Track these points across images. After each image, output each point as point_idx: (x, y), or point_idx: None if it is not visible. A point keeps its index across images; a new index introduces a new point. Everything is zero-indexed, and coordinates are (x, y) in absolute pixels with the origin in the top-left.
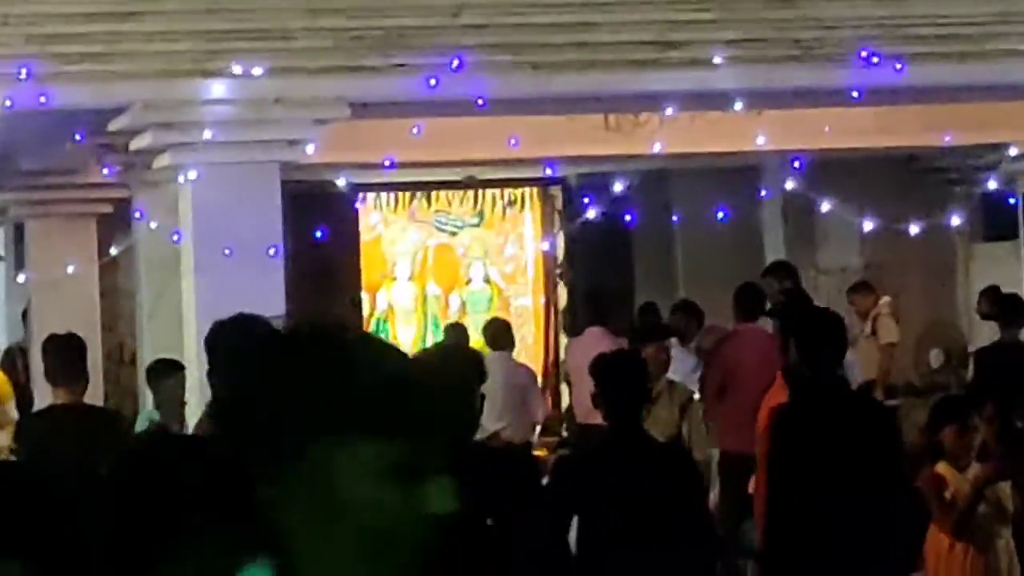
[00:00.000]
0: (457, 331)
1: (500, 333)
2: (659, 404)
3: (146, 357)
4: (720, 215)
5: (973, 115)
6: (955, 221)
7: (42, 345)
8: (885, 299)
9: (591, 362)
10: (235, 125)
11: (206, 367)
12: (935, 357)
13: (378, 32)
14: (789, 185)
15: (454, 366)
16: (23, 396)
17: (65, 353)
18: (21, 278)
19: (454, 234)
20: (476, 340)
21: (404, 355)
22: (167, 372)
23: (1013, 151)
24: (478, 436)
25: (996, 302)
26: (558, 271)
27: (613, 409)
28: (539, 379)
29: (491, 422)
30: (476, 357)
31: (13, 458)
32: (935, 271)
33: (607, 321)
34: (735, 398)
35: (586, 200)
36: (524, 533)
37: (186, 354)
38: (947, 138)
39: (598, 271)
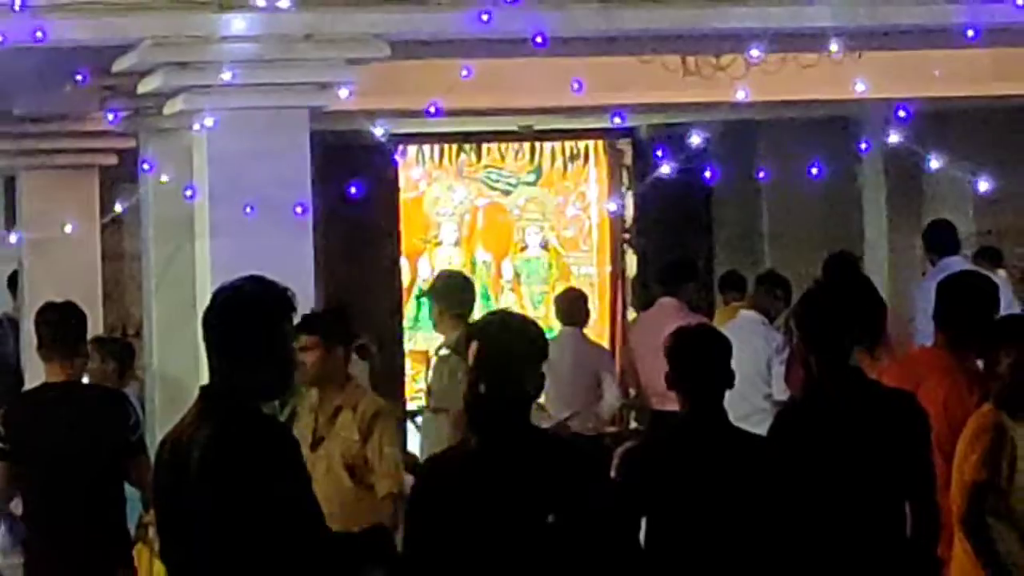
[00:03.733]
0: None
1: (575, 305)
2: None
3: (153, 331)
4: (814, 171)
5: None
6: None
7: (35, 315)
8: (1001, 273)
9: (666, 339)
10: (258, 65)
11: None
12: None
13: None
14: (893, 139)
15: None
16: (13, 374)
17: (61, 324)
18: (12, 238)
19: (507, 192)
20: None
21: None
22: None
23: None
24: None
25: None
26: (626, 236)
27: (691, 393)
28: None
29: (559, 408)
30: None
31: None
32: None
33: (682, 293)
34: None
35: (659, 154)
36: (588, 533)
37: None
38: None
39: (672, 236)
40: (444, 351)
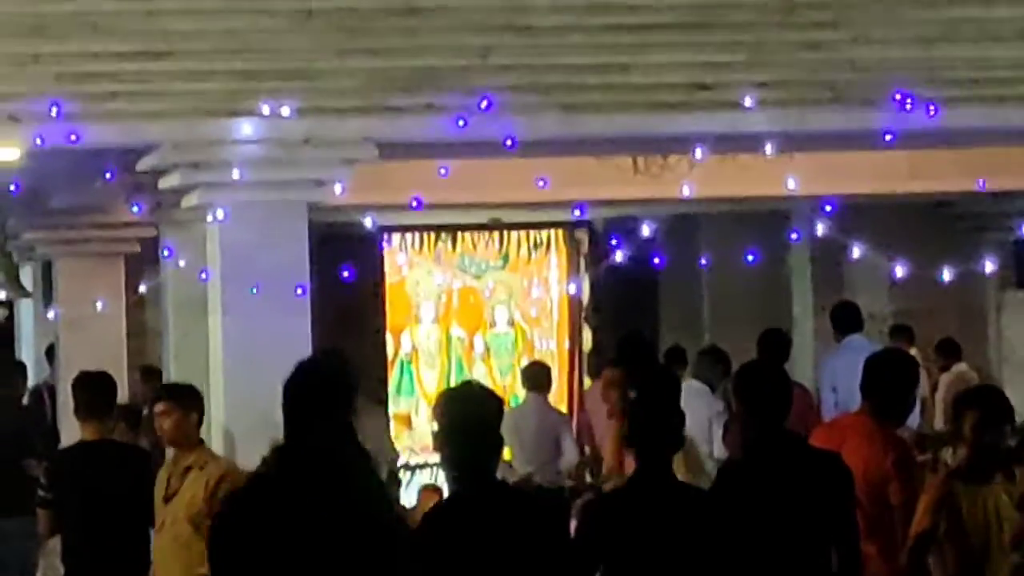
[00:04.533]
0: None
1: (539, 375)
2: None
3: None
4: (749, 259)
5: (1007, 160)
6: (988, 268)
7: (73, 381)
8: (913, 350)
9: (625, 404)
10: (263, 164)
11: (233, 404)
12: None
13: (406, 72)
14: (819, 230)
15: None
16: (50, 434)
17: (96, 389)
18: (50, 315)
19: (479, 277)
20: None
21: None
22: None
23: None
24: (511, 478)
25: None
26: (583, 314)
27: (643, 452)
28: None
29: (524, 464)
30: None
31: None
32: (966, 318)
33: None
34: None
35: (613, 243)
36: None
37: (212, 392)
38: (981, 183)
39: (624, 315)
40: None
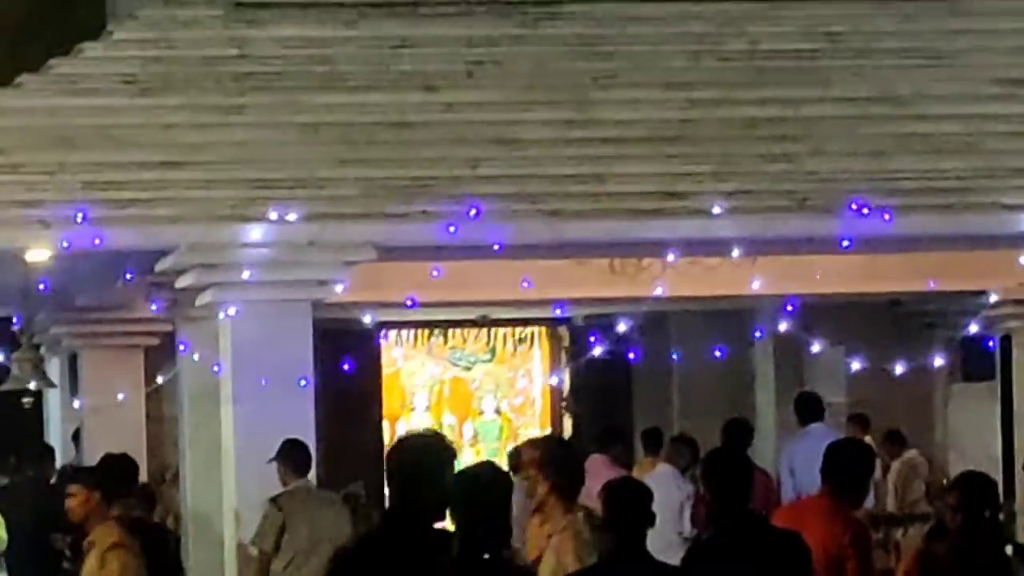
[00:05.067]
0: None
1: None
2: None
3: (187, 478)
4: (716, 354)
5: (955, 263)
6: (937, 362)
7: (98, 463)
8: (867, 438)
9: (600, 489)
10: (271, 266)
11: (243, 487)
12: (916, 489)
13: (402, 181)
14: (782, 327)
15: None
16: None
17: (119, 470)
18: (75, 403)
19: (468, 369)
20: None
21: None
22: None
23: (992, 298)
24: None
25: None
26: (564, 404)
27: (621, 531)
28: None
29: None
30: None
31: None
32: (916, 408)
33: (611, 451)
34: None
35: (591, 339)
36: None
37: (224, 476)
38: (931, 284)
39: (600, 405)
40: None
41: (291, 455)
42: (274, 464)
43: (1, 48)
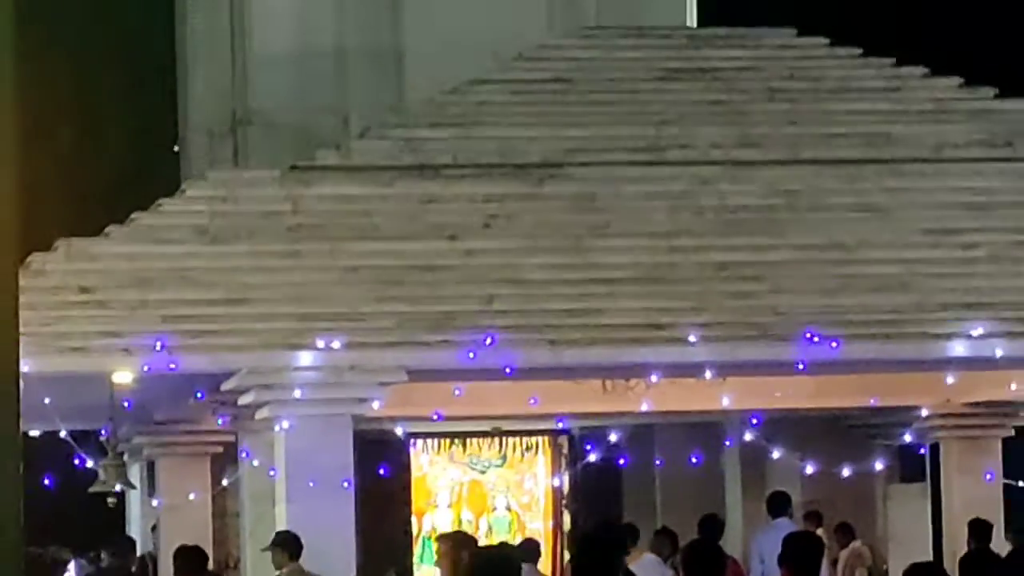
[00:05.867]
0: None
1: (531, 549)
2: None
3: (248, 565)
4: (693, 460)
5: (893, 383)
6: (878, 466)
7: (174, 553)
8: (820, 531)
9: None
10: (318, 386)
11: None
12: (860, 574)
13: (429, 316)
14: (747, 437)
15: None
16: None
17: (190, 558)
18: (154, 502)
19: (483, 472)
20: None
21: None
22: None
23: (924, 412)
24: None
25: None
26: (564, 502)
27: None
28: None
29: None
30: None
31: None
32: (861, 506)
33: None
34: None
35: (587, 447)
36: None
37: None
38: (872, 401)
39: (595, 504)
40: None
41: (287, 543)
42: (321, 552)
43: (93, 204)
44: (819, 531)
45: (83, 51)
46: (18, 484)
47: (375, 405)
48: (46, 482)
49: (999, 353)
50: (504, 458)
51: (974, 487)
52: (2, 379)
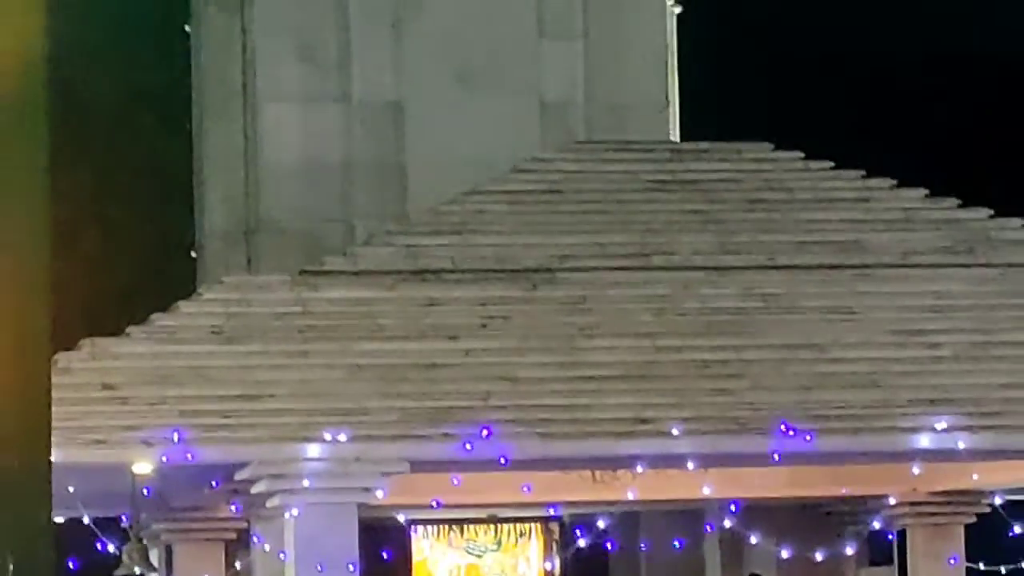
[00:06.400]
0: None
1: None
2: None
3: None
4: (675, 544)
5: (863, 473)
6: (848, 551)
7: None
8: None
9: None
10: (325, 477)
11: None
12: None
13: (430, 410)
14: (727, 523)
15: None
16: None
17: None
18: None
19: (480, 556)
20: None
21: None
22: None
23: (892, 500)
24: None
25: None
26: None
27: None
28: None
29: None
30: None
31: None
32: None
33: None
34: None
35: (577, 533)
36: None
37: None
38: (844, 490)
39: None
40: None
41: None
42: None
43: (113, 305)
44: None
45: (107, 164)
46: (49, 568)
47: (379, 494)
48: (70, 565)
49: (962, 445)
50: (499, 543)
51: (939, 571)
52: (37, 476)
